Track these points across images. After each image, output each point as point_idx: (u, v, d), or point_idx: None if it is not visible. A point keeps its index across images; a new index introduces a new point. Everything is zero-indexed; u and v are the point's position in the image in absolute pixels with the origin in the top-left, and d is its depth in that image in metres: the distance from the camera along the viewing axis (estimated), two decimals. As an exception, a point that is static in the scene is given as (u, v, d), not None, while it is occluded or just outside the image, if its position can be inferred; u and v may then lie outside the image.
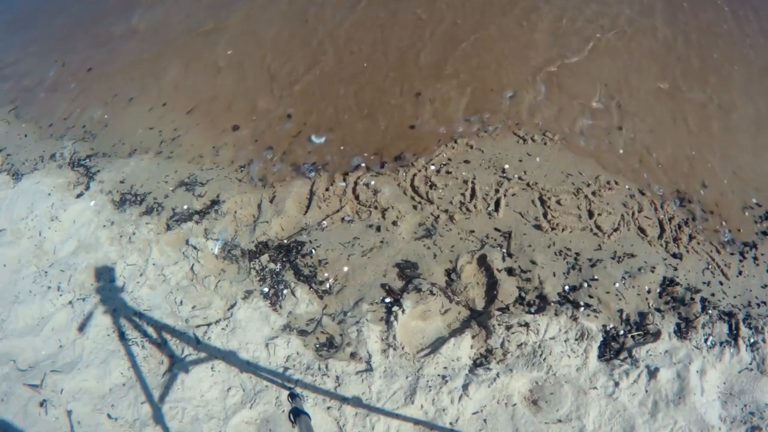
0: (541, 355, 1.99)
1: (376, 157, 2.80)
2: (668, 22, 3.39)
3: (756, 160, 2.71)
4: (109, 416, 2.08)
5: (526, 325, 2.05)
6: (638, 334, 2.06)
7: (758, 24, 3.46)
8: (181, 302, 2.38)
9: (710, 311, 2.10)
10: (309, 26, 3.71)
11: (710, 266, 2.26)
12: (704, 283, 2.20)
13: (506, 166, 2.63)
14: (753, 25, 3.45)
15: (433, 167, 2.67)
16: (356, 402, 1.95)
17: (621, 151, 2.71)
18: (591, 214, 2.43)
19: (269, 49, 3.66)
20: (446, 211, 2.48)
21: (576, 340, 2.02)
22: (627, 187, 2.55)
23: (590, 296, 2.15)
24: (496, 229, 2.41)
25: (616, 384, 1.91)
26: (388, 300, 2.22)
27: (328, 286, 2.32)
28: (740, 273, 2.25)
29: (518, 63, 3.13)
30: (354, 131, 2.98)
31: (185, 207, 2.79)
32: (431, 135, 2.85)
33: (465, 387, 1.93)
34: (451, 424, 1.89)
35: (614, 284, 2.18)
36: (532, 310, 2.13)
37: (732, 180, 2.61)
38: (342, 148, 2.91)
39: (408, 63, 3.26)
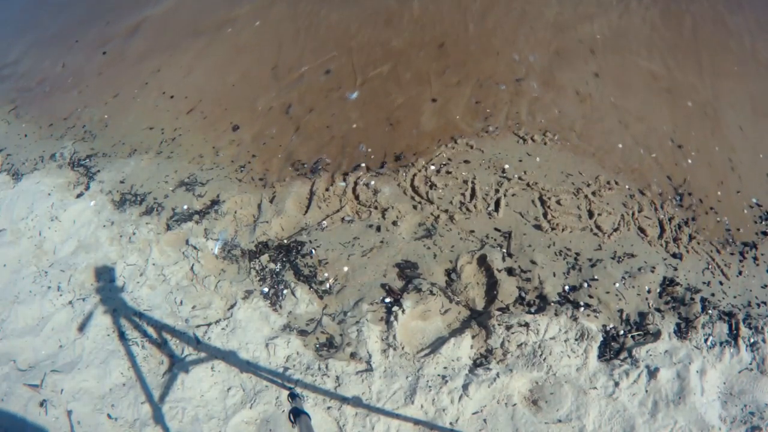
0: (541, 355, 1.99)
1: (390, 126, 2.87)
2: (666, 14, 3.40)
3: (756, 158, 2.71)
4: (109, 416, 2.08)
5: (526, 325, 2.05)
6: (638, 334, 2.06)
7: (755, 16, 3.47)
8: (181, 302, 2.38)
9: (710, 311, 2.10)
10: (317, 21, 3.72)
11: (710, 266, 2.26)
12: (704, 283, 2.20)
13: (506, 166, 2.63)
14: (750, 16, 3.45)
15: (433, 167, 2.67)
16: (356, 402, 1.95)
17: (620, 149, 2.71)
18: (591, 214, 2.43)
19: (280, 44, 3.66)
20: (446, 211, 2.48)
21: (576, 340, 2.02)
22: (627, 187, 2.55)
23: (590, 296, 2.15)
24: (496, 229, 2.41)
25: (616, 384, 1.91)
26: (388, 300, 2.22)
27: (328, 286, 2.32)
28: (740, 273, 2.25)
29: (515, 59, 3.13)
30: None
31: (185, 207, 2.79)
32: (431, 133, 2.86)
33: (465, 387, 1.93)
34: (451, 424, 1.89)
35: (614, 284, 2.18)
36: (532, 310, 2.13)
37: (732, 178, 2.61)
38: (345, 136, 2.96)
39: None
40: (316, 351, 2.14)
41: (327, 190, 2.68)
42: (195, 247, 2.56)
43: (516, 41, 3.25)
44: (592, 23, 3.34)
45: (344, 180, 2.71)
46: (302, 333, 2.19)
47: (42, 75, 4.36)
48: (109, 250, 2.68)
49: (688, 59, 3.17)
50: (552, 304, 2.13)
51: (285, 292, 2.33)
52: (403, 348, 2.08)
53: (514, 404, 1.92)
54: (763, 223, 2.44)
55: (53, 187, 3.13)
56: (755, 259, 2.30)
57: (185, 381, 2.09)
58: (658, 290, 2.18)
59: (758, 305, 2.14)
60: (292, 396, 1.57)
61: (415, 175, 2.66)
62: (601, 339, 2.04)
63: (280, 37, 3.73)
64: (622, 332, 2.07)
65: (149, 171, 3.09)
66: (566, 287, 2.19)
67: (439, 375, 1.98)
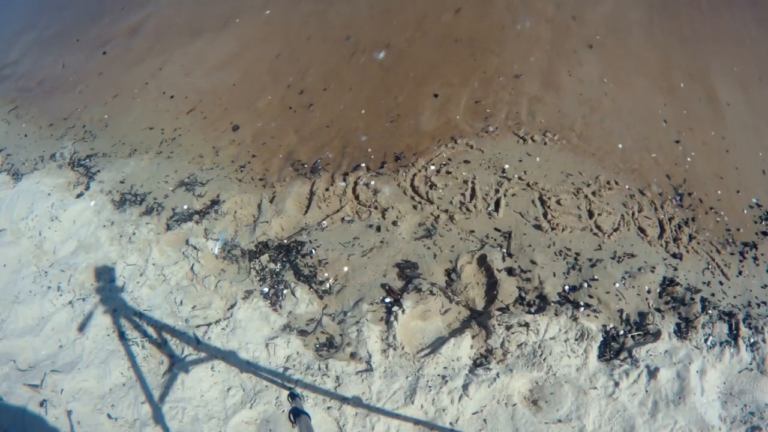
0: (541, 355, 1.99)
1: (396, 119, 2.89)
2: (665, 16, 3.40)
3: (756, 156, 2.71)
4: (109, 416, 2.08)
5: (526, 325, 2.05)
6: (638, 334, 2.06)
7: (754, 17, 3.47)
8: (181, 302, 2.38)
9: (710, 311, 2.10)
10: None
11: (710, 266, 2.26)
12: (704, 283, 2.20)
13: (506, 166, 2.63)
14: (749, 17, 3.46)
15: (433, 167, 2.67)
16: (356, 402, 1.95)
17: (620, 149, 2.71)
18: (591, 214, 2.43)
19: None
20: (446, 211, 2.48)
21: (576, 340, 2.02)
22: (627, 187, 2.55)
23: (590, 296, 2.14)
24: (496, 229, 2.41)
25: (616, 384, 1.91)
26: (388, 300, 2.22)
27: (328, 286, 2.32)
28: (740, 273, 2.25)
29: (515, 59, 3.13)
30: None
31: (185, 207, 2.79)
32: (432, 133, 2.86)
33: (465, 387, 1.93)
34: (451, 424, 1.89)
35: (614, 284, 2.18)
36: (532, 310, 2.13)
37: (733, 178, 2.61)
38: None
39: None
40: (316, 351, 2.14)
41: (327, 190, 2.68)
42: (195, 247, 2.56)
43: (514, 38, 3.25)
44: (592, 20, 3.34)
45: (344, 180, 2.71)
46: (302, 333, 2.19)
47: (42, 75, 4.37)
48: (109, 250, 2.68)
49: (688, 57, 3.17)
50: (552, 304, 2.13)
51: (285, 292, 2.33)
52: (403, 348, 2.08)
53: (514, 404, 1.92)
54: (763, 223, 2.44)
55: (53, 187, 3.13)
56: (755, 259, 2.30)
57: (185, 381, 2.09)
58: (658, 290, 2.18)
59: (758, 305, 2.14)
60: (292, 396, 1.57)
61: (415, 175, 2.66)
62: (601, 339, 2.04)
63: (287, 28, 3.72)
64: (622, 332, 2.07)
65: (149, 171, 3.09)
66: (566, 287, 2.19)
67: (439, 375, 1.98)
